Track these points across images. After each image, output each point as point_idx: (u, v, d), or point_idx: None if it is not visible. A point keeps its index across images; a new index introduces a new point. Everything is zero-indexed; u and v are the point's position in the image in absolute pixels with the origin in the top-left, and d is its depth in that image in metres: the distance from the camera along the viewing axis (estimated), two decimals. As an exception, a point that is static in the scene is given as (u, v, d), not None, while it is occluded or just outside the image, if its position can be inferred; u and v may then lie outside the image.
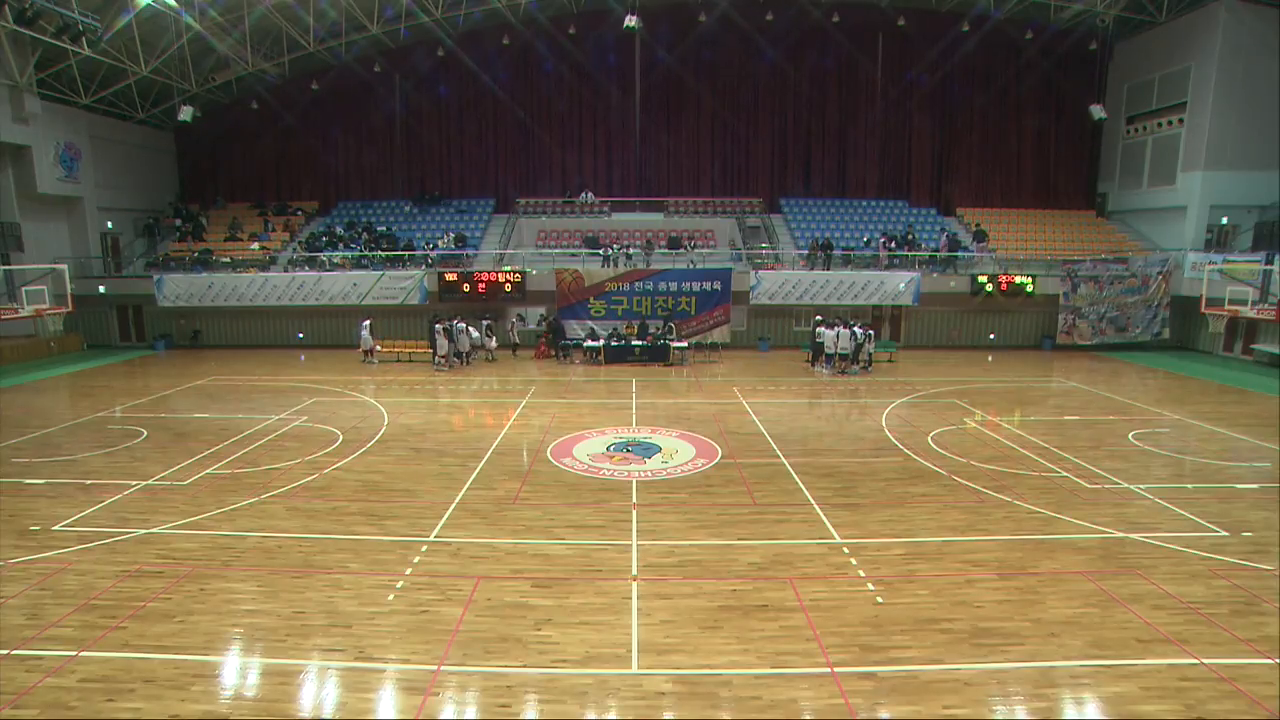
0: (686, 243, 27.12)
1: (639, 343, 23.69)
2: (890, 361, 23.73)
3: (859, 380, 21.00)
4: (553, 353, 24.66)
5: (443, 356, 22.63)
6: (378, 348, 23.76)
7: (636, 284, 25.15)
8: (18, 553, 9.08)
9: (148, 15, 22.36)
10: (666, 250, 26.91)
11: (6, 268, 23.13)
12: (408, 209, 30.43)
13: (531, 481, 11.97)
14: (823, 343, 22.09)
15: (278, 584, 8.29)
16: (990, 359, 24.74)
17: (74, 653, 6.86)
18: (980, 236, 27.83)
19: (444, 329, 22.57)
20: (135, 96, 27.17)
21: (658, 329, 24.24)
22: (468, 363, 23.31)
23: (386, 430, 15.20)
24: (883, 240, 27.26)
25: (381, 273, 25.67)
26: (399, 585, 8.26)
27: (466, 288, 25.42)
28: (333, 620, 7.50)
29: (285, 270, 26.44)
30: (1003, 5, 27.33)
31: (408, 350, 24.15)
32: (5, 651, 6.89)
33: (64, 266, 23.54)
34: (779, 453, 13.57)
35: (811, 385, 20.42)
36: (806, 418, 16.79)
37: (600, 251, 26.58)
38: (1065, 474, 12.25)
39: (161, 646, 6.99)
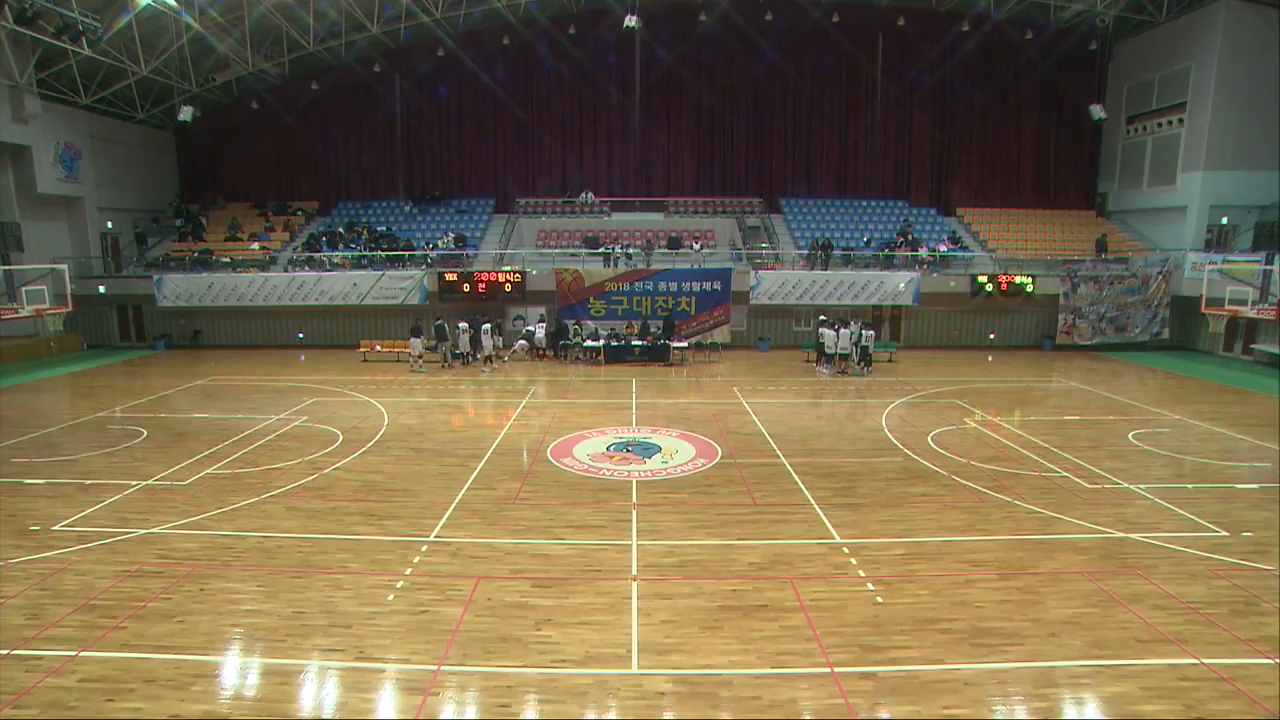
0: (687, 243, 27.12)
1: (639, 343, 23.68)
2: (890, 361, 23.72)
3: (859, 380, 21.00)
4: (552, 353, 24.66)
5: (462, 353, 23.07)
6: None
7: (636, 284, 25.14)
8: (18, 553, 9.08)
9: (148, 15, 22.36)
10: (666, 250, 26.91)
11: (6, 268, 23.09)
12: (408, 209, 30.41)
13: (531, 481, 11.96)
14: (823, 343, 22.10)
15: (278, 584, 8.29)
16: (990, 359, 24.73)
17: (74, 653, 6.86)
18: (1101, 245, 26.80)
19: (465, 327, 22.89)
20: (135, 96, 27.16)
21: (657, 329, 24.23)
22: (468, 363, 23.33)
23: (386, 430, 15.19)
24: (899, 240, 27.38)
25: (381, 273, 25.67)
26: (399, 585, 8.26)
27: (466, 288, 25.41)
28: (333, 620, 7.50)
29: (285, 270, 26.43)
30: (1003, 5, 27.31)
31: (407, 350, 24.09)
32: (5, 651, 6.89)
33: (64, 266, 23.51)
34: (779, 453, 13.57)
35: (811, 385, 20.41)
36: (806, 418, 16.78)
37: (600, 251, 26.55)
38: (1065, 474, 12.24)
39: (161, 646, 6.99)
